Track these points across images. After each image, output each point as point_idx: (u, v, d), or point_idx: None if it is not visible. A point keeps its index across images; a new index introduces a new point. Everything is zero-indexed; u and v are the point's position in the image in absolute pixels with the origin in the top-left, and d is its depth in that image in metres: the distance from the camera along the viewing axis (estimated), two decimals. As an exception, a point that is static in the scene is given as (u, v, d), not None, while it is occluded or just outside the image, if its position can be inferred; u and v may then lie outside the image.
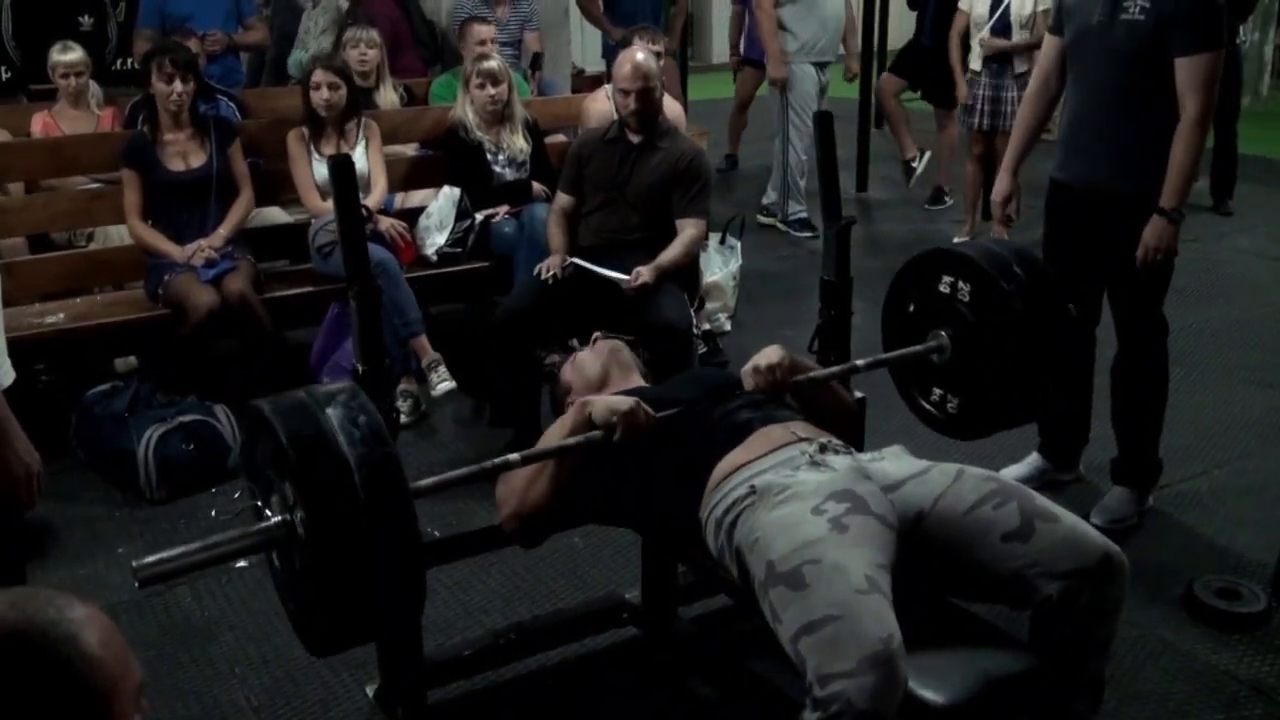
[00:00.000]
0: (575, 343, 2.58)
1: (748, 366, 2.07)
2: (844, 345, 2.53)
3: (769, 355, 2.07)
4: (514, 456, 1.82)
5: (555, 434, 1.98)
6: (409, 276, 3.76)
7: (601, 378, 2.27)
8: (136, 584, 1.51)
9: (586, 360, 2.31)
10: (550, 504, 1.90)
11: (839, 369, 2.22)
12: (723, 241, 4.57)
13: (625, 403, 1.89)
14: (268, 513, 1.63)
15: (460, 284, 4.07)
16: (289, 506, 1.58)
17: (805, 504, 1.71)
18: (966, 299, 2.22)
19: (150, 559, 1.52)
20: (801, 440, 1.90)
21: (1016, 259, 2.18)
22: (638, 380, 2.28)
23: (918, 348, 2.28)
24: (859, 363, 2.24)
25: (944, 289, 2.25)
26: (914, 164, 6.31)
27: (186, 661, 2.56)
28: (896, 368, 2.33)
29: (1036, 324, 2.14)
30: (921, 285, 2.31)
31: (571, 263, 3.42)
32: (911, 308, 2.33)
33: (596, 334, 2.40)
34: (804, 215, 5.92)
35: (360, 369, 2.13)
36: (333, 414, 1.58)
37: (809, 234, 5.83)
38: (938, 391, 2.35)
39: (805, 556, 1.60)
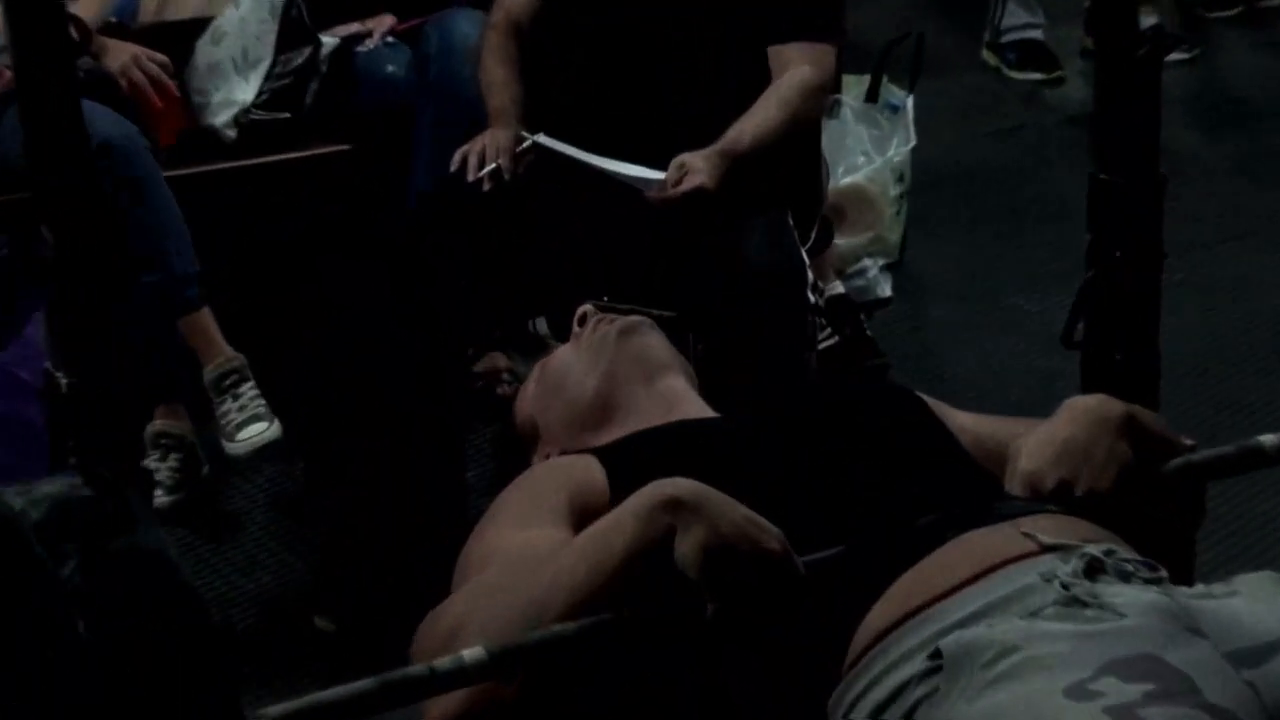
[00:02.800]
0: (542, 327, 2.69)
1: (1037, 475, 1.83)
2: (1148, 336, 2.28)
3: (1098, 473, 1.82)
4: (473, 654, 1.60)
5: (541, 552, 1.80)
6: (176, 175, 3.33)
7: (602, 401, 2.14)
8: None
9: (569, 364, 2.21)
10: (526, 696, 1.74)
11: (1232, 453, 1.92)
12: (874, 98, 4.03)
13: (754, 545, 1.65)
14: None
15: (288, 188, 3.65)
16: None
17: (1053, 681, 1.50)
18: None
19: None
20: (1045, 552, 1.70)
21: None
22: (692, 404, 2.14)
23: None
24: (1266, 441, 1.93)
25: None
26: None
27: None
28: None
29: None
30: None
31: (534, 143, 3.05)
32: None
33: (585, 307, 2.28)
34: (1036, 35, 5.42)
35: (61, 383, 1.95)
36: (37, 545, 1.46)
37: (1039, 75, 5.35)
38: None
39: None
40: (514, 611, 1.66)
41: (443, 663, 1.57)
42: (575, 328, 2.23)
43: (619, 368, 2.15)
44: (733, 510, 1.66)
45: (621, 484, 1.82)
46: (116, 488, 1.73)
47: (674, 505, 1.66)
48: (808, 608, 1.71)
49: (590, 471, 1.91)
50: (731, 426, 2.04)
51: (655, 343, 2.18)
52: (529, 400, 2.22)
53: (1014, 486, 1.84)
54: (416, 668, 1.59)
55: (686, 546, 1.63)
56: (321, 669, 2.09)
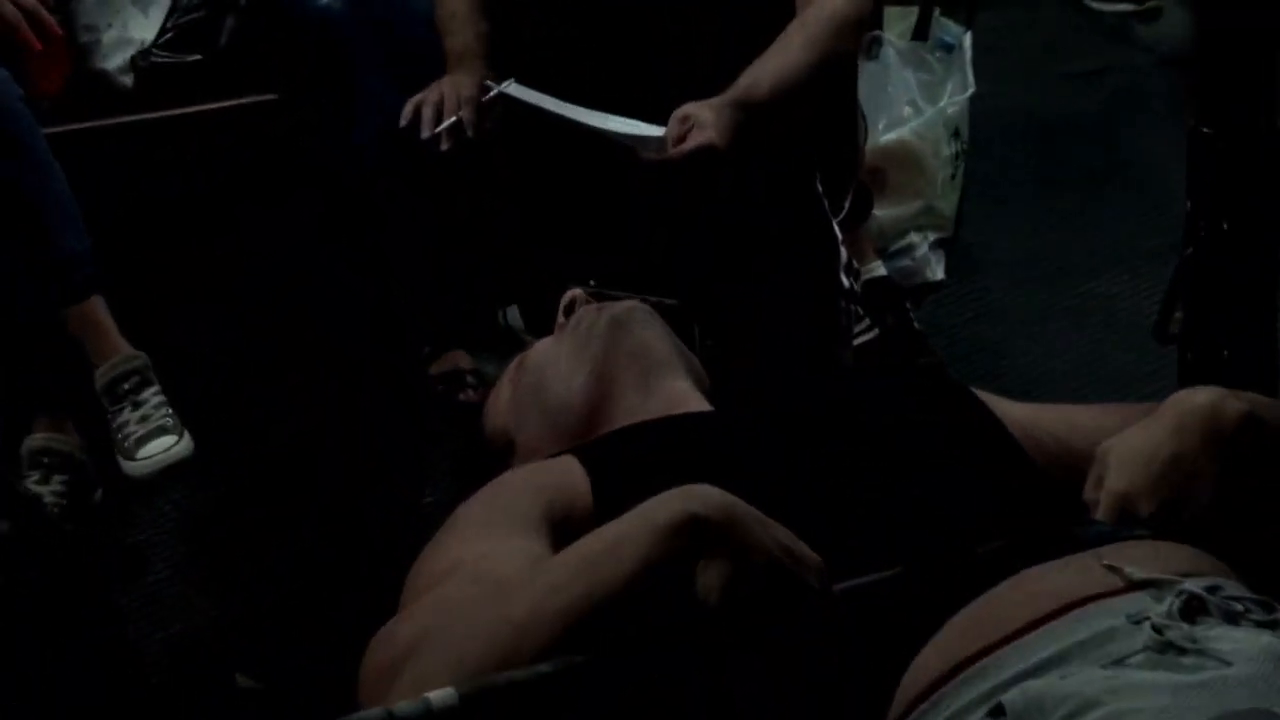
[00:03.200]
0: (513, 318, 2.84)
1: (1130, 497, 1.65)
2: (1263, 327, 2.19)
3: (1207, 496, 1.65)
4: (442, 696, 1.43)
5: (515, 566, 1.65)
6: (60, 131, 3.20)
7: (590, 407, 2.04)
8: None
9: (551, 361, 2.12)
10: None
11: None
12: (923, 35, 3.85)
13: (789, 578, 1.54)
14: None
15: (199, 147, 3.47)
16: None
17: (1145, 746, 1.65)
18: None
19: None
20: (1134, 588, 1.56)
21: None
22: (691, 398, 2.04)
23: None
24: None
25: None
26: None
27: None
28: None
29: None
30: None
31: (501, 93, 2.80)
32: None
33: (574, 291, 2.21)
34: None
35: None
36: None
37: (1130, 6, 5.10)
38: None
39: None
40: (484, 635, 1.52)
41: (404, 708, 1.42)
42: (560, 318, 2.16)
43: (611, 365, 2.06)
44: (766, 535, 1.56)
45: (606, 487, 1.76)
46: (44, 516, 1.57)
47: (698, 525, 1.54)
48: (845, 648, 1.60)
49: (569, 474, 1.82)
50: (728, 422, 1.97)
51: (655, 335, 2.10)
52: (501, 406, 2.15)
53: (1099, 507, 1.69)
54: (372, 712, 1.43)
55: (712, 575, 1.52)
56: (246, 734, 2.19)
